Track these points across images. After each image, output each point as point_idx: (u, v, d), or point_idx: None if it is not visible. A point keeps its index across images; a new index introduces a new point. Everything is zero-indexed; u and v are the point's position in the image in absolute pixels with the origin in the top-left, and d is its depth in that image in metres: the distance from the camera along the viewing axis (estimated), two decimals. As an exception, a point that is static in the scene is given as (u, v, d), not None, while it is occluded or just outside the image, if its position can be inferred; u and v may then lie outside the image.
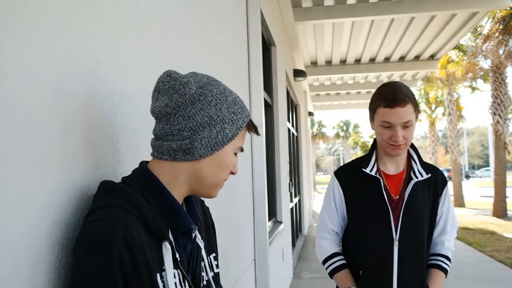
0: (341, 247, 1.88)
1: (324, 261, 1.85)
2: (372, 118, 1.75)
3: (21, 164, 0.74)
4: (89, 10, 0.97)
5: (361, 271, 1.74)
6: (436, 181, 1.79)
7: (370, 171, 1.75)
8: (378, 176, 1.74)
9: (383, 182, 1.75)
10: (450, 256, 1.83)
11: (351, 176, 1.82)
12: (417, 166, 1.79)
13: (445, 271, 1.80)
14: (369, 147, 1.89)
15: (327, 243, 1.86)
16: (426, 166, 1.80)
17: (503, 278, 6.23)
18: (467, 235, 9.93)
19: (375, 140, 1.84)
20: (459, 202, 16.96)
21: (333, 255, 1.83)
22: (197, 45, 1.84)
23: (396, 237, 1.69)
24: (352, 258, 1.80)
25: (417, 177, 1.75)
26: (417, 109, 1.68)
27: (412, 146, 1.82)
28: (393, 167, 1.80)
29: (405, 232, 1.69)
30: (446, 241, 1.82)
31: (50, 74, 0.83)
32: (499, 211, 12.99)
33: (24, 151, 0.74)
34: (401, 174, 1.78)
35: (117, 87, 1.10)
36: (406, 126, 1.64)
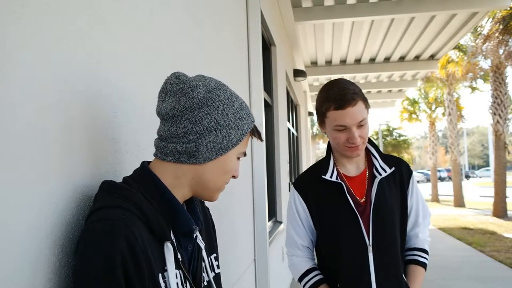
0: (316, 261, 1.76)
1: (300, 279, 1.72)
2: (322, 122, 1.63)
3: (21, 164, 0.74)
4: (89, 10, 0.97)
5: (338, 284, 1.62)
6: (401, 173, 1.70)
7: (331, 177, 1.64)
8: (339, 181, 1.63)
9: (346, 186, 1.64)
10: (426, 248, 1.74)
11: (311, 185, 1.69)
12: (378, 162, 1.68)
13: (423, 265, 1.71)
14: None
15: (299, 259, 1.74)
16: (388, 159, 1.70)
17: (503, 278, 6.23)
18: (467, 235, 9.94)
19: (329, 143, 1.74)
20: (459, 202, 16.97)
21: (308, 272, 1.70)
22: (197, 45, 1.84)
23: (369, 242, 1.59)
24: (327, 271, 1.69)
25: (380, 174, 1.64)
26: (367, 104, 1.59)
27: (369, 141, 1.72)
28: (354, 167, 1.69)
29: (378, 235, 1.60)
30: (420, 233, 1.74)
31: (50, 74, 0.83)
32: (499, 211, 12.99)
33: (24, 151, 0.74)
34: (363, 173, 1.68)
35: (117, 87, 1.10)
36: (361, 125, 1.55)
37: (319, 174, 1.67)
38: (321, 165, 1.71)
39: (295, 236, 1.74)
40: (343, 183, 1.63)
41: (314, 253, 1.79)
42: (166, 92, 0.91)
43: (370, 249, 1.59)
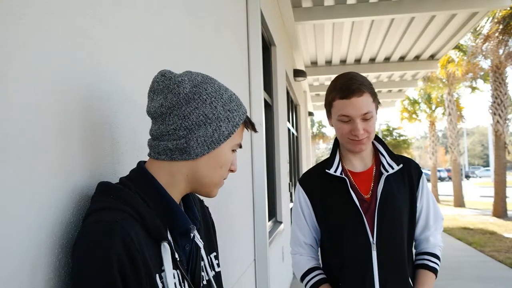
0: (319, 261, 1.72)
1: (302, 278, 1.68)
2: (329, 114, 1.62)
3: (21, 164, 0.74)
4: (89, 10, 0.97)
5: (340, 284, 1.57)
6: (410, 173, 1.64)
7: (335, 171, 1.61)
8: (343, 176, 1.60)
9: (350, 181, 1.60)
10: (438, 253, 1.67)
11: (316, 182, 1.67)
12: (385, 159, 1.64)
13: (433, 270, 1.63)
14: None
15: (303, 258, 1.70)
16: (397, 158, 1.65)
17: (503, 278, 6.23)
18: (467, 235, 9.94)
19: (336, 138, 1.70)
20: (459, 202, 16.98)
21: (310, 271, 1.66)
22: (197, 45, 1.84)
23: (373, 240, 1.54)
24: (331, 269, 1.65)
25: (387, 171, 1.60)
26: (376, 99, 1.56)
27: (377, 138, 1.69)
28: (360, 164, 1.65)
29: (383, 233, 1.55)
30: (431, 237, 1.66)
31: (50, 74, 0.83)
32: (499, 211, 13.00)
33: (24, 151, 0.74)
34: (370, 170, 1.64)
35: (117, 87, 1.10)
36: (366, 118, 1.51)
37: (324, 169, 1.64)
38: (327, 161, 1.68)
39: (298, 233, 1.71)
40: (346, 178, 1.59)
41: (319, 252, 1.75)
42: (154, 91, 0.91)
43: (374, 247, 1.54)
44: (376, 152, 1.68)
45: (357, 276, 1.55)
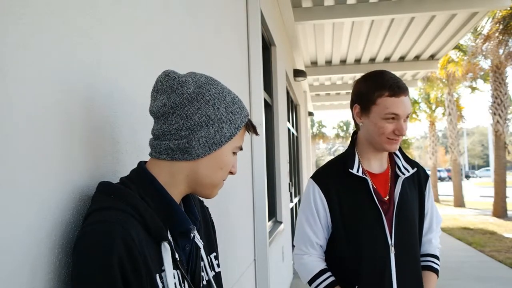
0: (325, 262, 1.68)
1: (311, 281, 1.62)
2: (366, 112, 1.55)
3: (21, 164, 0.74)
4: (89, 10, 0.97)
5: (356, 286, 1.55)
6: (419, 176, 1.68)
7: (357, 171, 1.58)
8: (364, 176, 1.58)
9: (371, 182, 1.59)
10: (438, 254, 1.72)
11: (333, 180, 1.62)
12: (401, 162, 1.65)
13: (436, 271, 1.68)
14: None
15: (312, 259, 1.64)
16: (410, 161, 1.68)
17: (503, 278, 6.24)
18: (467, 235, 9.95)
19: (354, 136, 1.69)
20: (459, 202, 16.98)
21: (321, 273, 1.61)
22: (197, 45, 1.84)
23: (391, 242, 1.54)
24: (343, 271, 1.60)
25: (403, 174, 1.61)
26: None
27: None
28: (378, 165, 1.64)
29: (400, 235, 1.56)
30: (434, 239, 1.71)
31: (50, 74, 0.83)
32: (499, 211, 13.01)
33: (24, 151, 0.74)
34: (387, 172, 1.64)
35: (117, 87, 1.10)
36: (406, 118, 1.52)
37: (343, 168, 1.60)
38: (344, 159, 1.63)
39: (310, 233, 1.64)
40: (368, 179, 1.58)
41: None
42: (157, 91, 0.91)
43: (392, 249, 1.55)
44: (390, 153, 1.69)
45: (375, 277, 1.55)
